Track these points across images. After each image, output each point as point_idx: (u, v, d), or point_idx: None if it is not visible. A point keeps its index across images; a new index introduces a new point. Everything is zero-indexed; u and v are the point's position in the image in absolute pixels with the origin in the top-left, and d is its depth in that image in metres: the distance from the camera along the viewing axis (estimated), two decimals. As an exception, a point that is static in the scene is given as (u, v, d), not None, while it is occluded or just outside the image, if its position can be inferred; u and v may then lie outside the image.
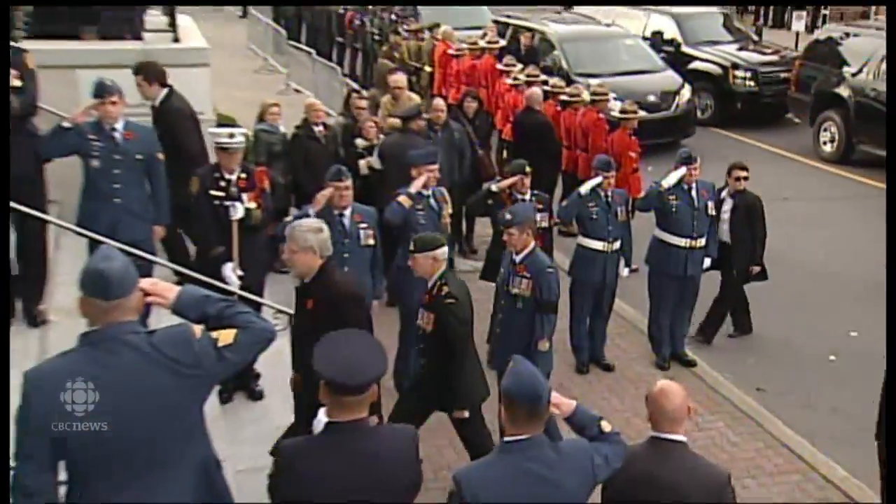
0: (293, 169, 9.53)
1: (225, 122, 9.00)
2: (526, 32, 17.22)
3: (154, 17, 10.65)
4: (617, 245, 8.32)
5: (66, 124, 6.63)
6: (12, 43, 6.88)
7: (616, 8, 20.56)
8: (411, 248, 6.24)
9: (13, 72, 6.32)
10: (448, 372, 6.00)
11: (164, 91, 7.96)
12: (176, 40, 10.21)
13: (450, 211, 8.08)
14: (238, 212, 6.96)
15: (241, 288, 6.80)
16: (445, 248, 6.21)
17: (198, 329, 3.48)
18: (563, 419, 4.06)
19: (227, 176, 7.00)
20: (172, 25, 10.33)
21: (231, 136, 7.11)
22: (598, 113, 10.92)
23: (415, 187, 7.63)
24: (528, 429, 3.63)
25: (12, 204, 6.33)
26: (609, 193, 8.28)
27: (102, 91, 6.57)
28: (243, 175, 7.09)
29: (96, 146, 6.62)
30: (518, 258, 6.66)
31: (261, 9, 26.27)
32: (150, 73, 7.88)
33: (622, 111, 10.55)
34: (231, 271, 6.88)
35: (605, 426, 4.00)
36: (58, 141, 6.68)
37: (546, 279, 6.55)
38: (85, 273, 3.36)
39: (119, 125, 6.65)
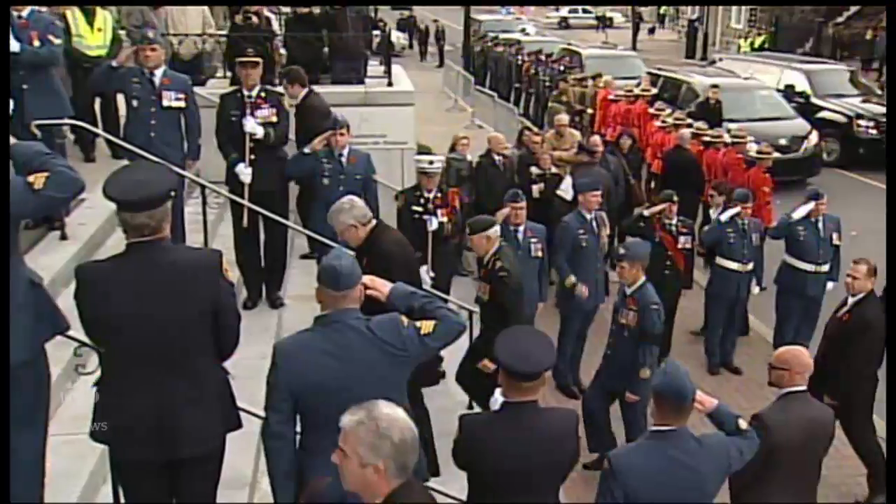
0: (477, 191, 9.66)
1: (425, 150, 9.22)
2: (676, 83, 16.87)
3: (374, 66, 10.96)
4: (750, 266, 8.05)
5: (307, 150, 6.90)
6: (270, 87, 7.19)
7: (754, 63, 19.85)
8: (468, 230, 6.13)
9: (271, 110, 6.63)
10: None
11: (304, 91, 7.96)
12: (390, 84, 10.40)
13: (608, 232, 8.00)
14: (433, 224, 7.11)
15: (432, 287, 6.92)
16: (497, 228, 6.01)
17: (405, 319, 3.58)
18: (706, 415, 3.98)
19: (425, 194, 7.16)
20: (387, 73, 10.59)
21: (431, 162, 7.28)
22: (737, 153, 10.57)
23: (585, 210, 7.54)
24: (674, 421, 3.56)
25: (263, 211, 6.65)
26: (745, 222, 8.02)
27: (335, 124, 6.80)
28: (438, 194, 7.24)
29: (327, 168, 6.82)
30: (629, 290, 6.28)
31: (454, 59, 26.70)
32: (293, 77, 7.95)
33: (758, 152, 10.19)
34: (425, 272, 7.02)
35: (742, 424, 3.89)
36: (299, 164, 6.92)
37: (650, 314, 6.15)
38: (322, 268, 3.47)
39: (345, 151, 6.87)
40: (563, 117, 11.55)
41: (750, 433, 3.90)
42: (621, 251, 6.36)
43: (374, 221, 4.99)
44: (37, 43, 6.20)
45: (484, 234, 5.92)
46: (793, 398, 4.41)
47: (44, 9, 6.81)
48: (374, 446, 2.56)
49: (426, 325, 3.56)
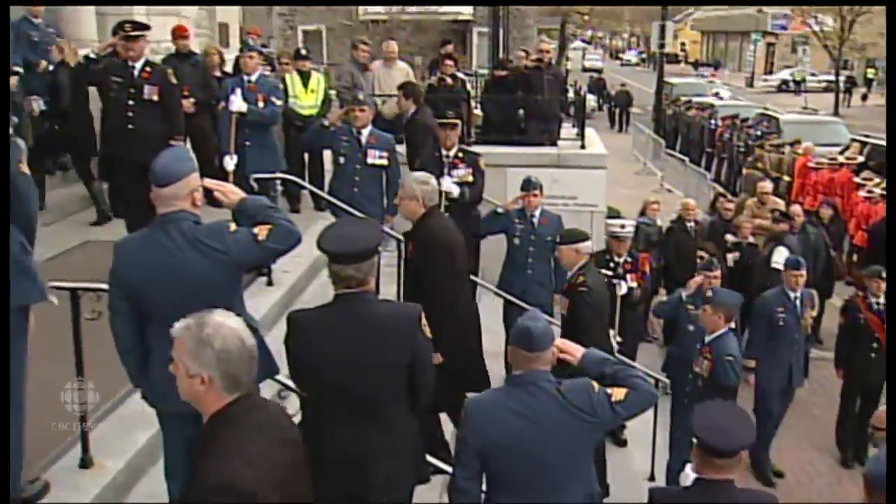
0: (667, 256, 9.45)
1: (615, 214, 9.16)
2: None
3: (566, 128, 11.04)
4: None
5: (500, 210, 7.01)
6: (467, 147, 7.37)
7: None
8: (558, 241, 5.89)
9: (468, 169, 6.80)
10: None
11: (415, 108, 8.01)
12: (582, 147, 10.46)
13: (814, 313, 7.54)
14: (622, 289, 6.98)
15: (619, 352, 6.78)
16: (588, 242, 5.80)
17: (596, 385, 3.53)
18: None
19: (615, 259, 7.08)
20: (580, 135, 10.63)
21: (622, 226, 7.20)
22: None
23: (789, 288, 7.19)
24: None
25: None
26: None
27: (528, 185, 6.86)
28: (629, 259, 7.14)
29: (519, 229, 6.89)
30: (707, 338, 6.02)
31: (644, 121, 26.45)
32: (409, 91, 8.05)
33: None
34: (612, 337, 6.89)
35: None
36: (491, 225, 7.04)
37: (724, 366, 5.83)
38: (516, 329, 3.48)
39: (537, 212, 6.92)
40: (767, 184, 11.16)
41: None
42: (709, 293, 6.10)
43: (433, 206, 5.04)
44: (261, 104, 6.73)
45: (573, 247, 5.74)
46: None
47: (269, 72, 7.38)
48: (196, 354, 2.40)
49: (618, 393, 3.49)
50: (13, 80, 7.79)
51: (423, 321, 3.56)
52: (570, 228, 6.28)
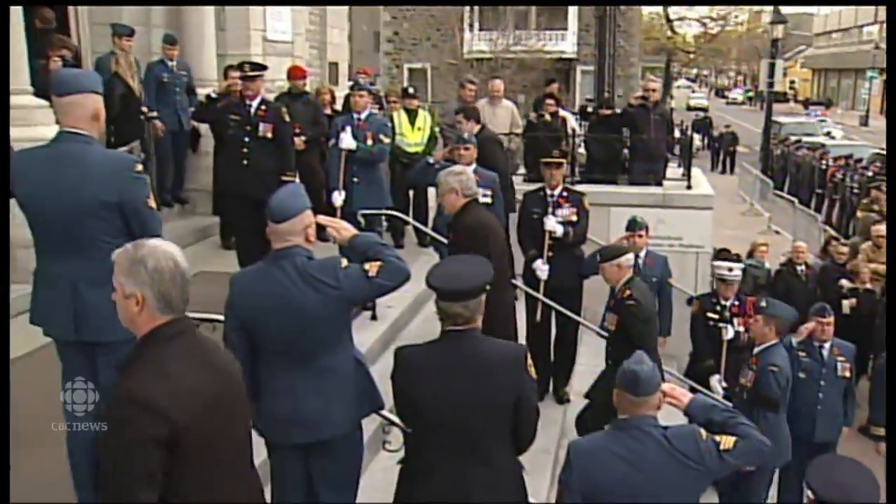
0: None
1: (723, 257, 8.93)
2: None
3: (672, 168, 10.89)
4: None
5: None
6: (571, 187, 7.34)
7: None
8: (598, 258, 5.74)
9: (572, 209, 6.74)
10: None
11: (478, 126, 7.92)
12: (689, 187, 10.29)
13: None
14: (729, 333, 6.80)
15: (724, 397, 6.59)
16: (630, 257, 5.66)
17: (703, 432, 3.44)
18: None
19: (722, 302, 6.91)
20: (687, 175, 10.47)
21: (730, 269, 7.02)
22: None
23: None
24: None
25: (557, 307, 6.69)
26: None
27: (634, 226, 6.80)
28: (736, 302, 6.96)
29: (625, 268, 6.81)
30: (756, 349, 5.76)
31: (751, 162, 25.84)
32: (469, 113, 7.97)
33: None
34: (717, 382, 6.72)
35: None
36: (594, 266, 6.94)
37: (768, 376, 5.55)
38: (621, 372, 3.44)
39: (642, 253, 6.83)
40: (881, 227, 10.68)
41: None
42: (763, 303, 5.84)
43: (472, 197, 5.06)
44: (370, 142, 6.88)
45: (615, 262, 5.61)
46: None
47: (377, 110, 7.55)
48: (130, 273, 2.44)
49: (726, 441, 3.39)
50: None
51: (529, 361, 3.54)
52: (608, 245, 6.18)
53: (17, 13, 6.53)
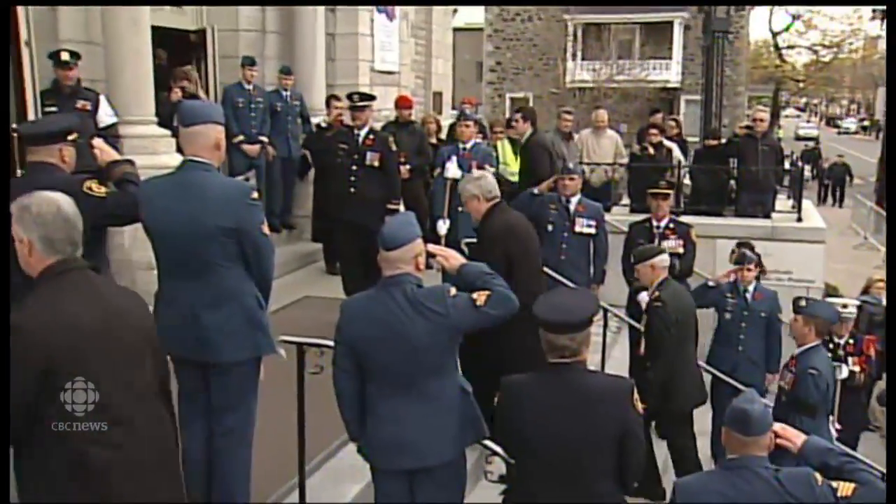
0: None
1: (834, 292, 8.63)
2: None
3: (781, 199, 10.59)
4: None
5: (710, 283, 6.79)
6: (677, 218, 7.24)
7: None
8: (632, 259, 5.71)
9: (678, 241, 6.64)
10: (655, 370, 5.32)
11: (531, 130, 7.86)
12: (799, 220, 9.99)
13: None
14: (843, 372, 6.52)
15: (837, 440, 6.33)
16: (664, 256, 5.64)
17: (818, 476, 3.30)
18: None
19: (836, 340, 6.66)
20: (797, 208, 10.15)
21: (845, 306, 6.77)
22: None
23: None
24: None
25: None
26: None
27: (743, 259, 6.65)
28: (851, 341, 6.71)
29: (731, 304, 6.66)
30: (795, 352, 5.47)
31: (866, 194, 24.85)
32: (527, 114, 7.95)
33: None
34: (831, 424, 6.46)
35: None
36: (702, 296, 6.86)
37: (806, 379, 5.27)
38: (731, 410, 3.34)
39: (751, 287, 6.65)
40: None
41: None
42: (802, 303, 5.54)
43: (496, 200, 5.01)
44: (475, 171, 6.93)
45: (648, 263, 5.57)
46: None
47: (482, 141, 7.62)
48: (19, 220, 2.68)
49: (845, 488, 3.23)
50: (254, 148, 8.53)
51: (636, 395, 3.49)
52: (642, 247, 6.11)
53: (146, 48, 6.89)
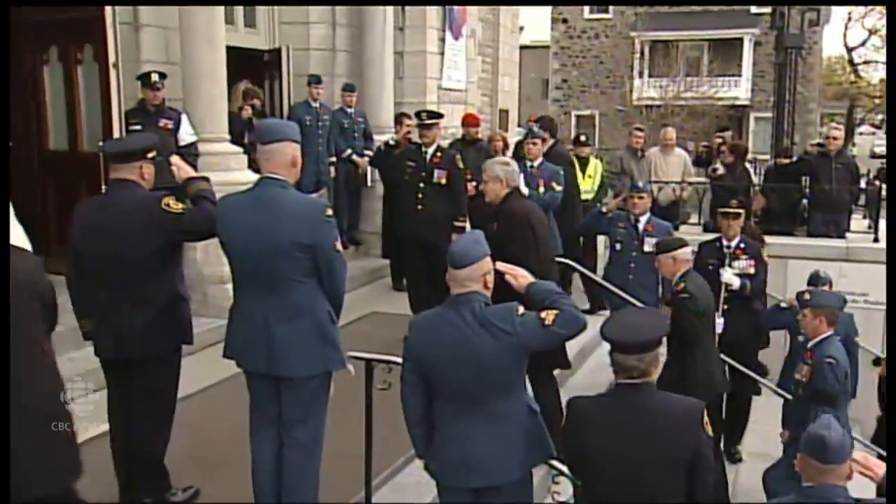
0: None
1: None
2: None
3: (857, 219, 10.32)
4: None
5: (783, 304, 6.65)
6: (750, 238, 7.11)
7: None
8: (655, 251, 5.61)
9: (750, 261, 6.51)
10: (682, 362, 5.20)
11: (552, 141, 7.87)
12: (875, 240, 9.72)
13: None
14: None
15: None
16: (686, 249, 5.55)
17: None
18: None
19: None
20: (873, 228, 9.89)
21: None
22: None
23: None
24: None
25: (731, 362, 6.44)
26: None
27: (816, 281, 6.51)
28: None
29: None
30: (809, 343, 5.33)
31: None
32: (546, 124, 8.01)
33: None
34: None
35: None
36: (775, 319, 6.73)
37: (823, 368, 5.16)
38: (807, 436, 3.28)
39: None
40: None
41: None
42: (807, 296, 5.43)
43: (514, 188, 5.19)
44: (542, 189, 6.94)
45: (670, 255, 5.47)
46: None
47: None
48: None
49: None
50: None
51: (706, 417, 3.43)
52: (666, 237, 6.06)
53: (221, 68, 7.08)
